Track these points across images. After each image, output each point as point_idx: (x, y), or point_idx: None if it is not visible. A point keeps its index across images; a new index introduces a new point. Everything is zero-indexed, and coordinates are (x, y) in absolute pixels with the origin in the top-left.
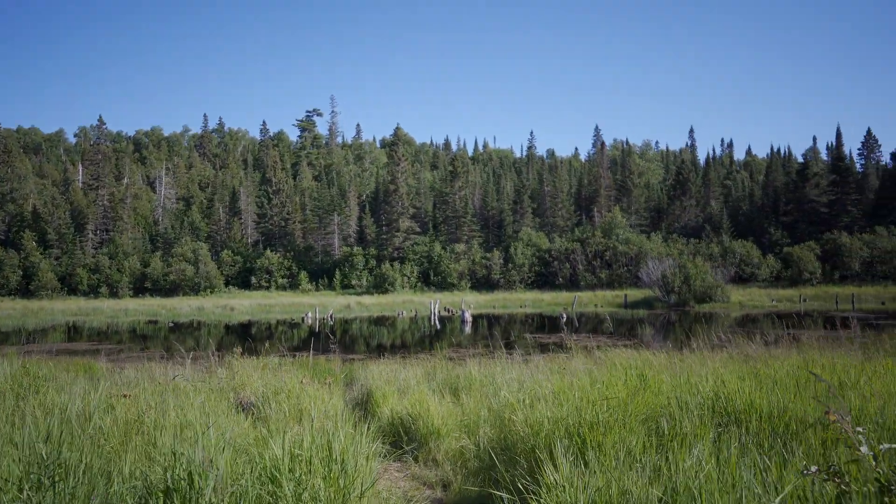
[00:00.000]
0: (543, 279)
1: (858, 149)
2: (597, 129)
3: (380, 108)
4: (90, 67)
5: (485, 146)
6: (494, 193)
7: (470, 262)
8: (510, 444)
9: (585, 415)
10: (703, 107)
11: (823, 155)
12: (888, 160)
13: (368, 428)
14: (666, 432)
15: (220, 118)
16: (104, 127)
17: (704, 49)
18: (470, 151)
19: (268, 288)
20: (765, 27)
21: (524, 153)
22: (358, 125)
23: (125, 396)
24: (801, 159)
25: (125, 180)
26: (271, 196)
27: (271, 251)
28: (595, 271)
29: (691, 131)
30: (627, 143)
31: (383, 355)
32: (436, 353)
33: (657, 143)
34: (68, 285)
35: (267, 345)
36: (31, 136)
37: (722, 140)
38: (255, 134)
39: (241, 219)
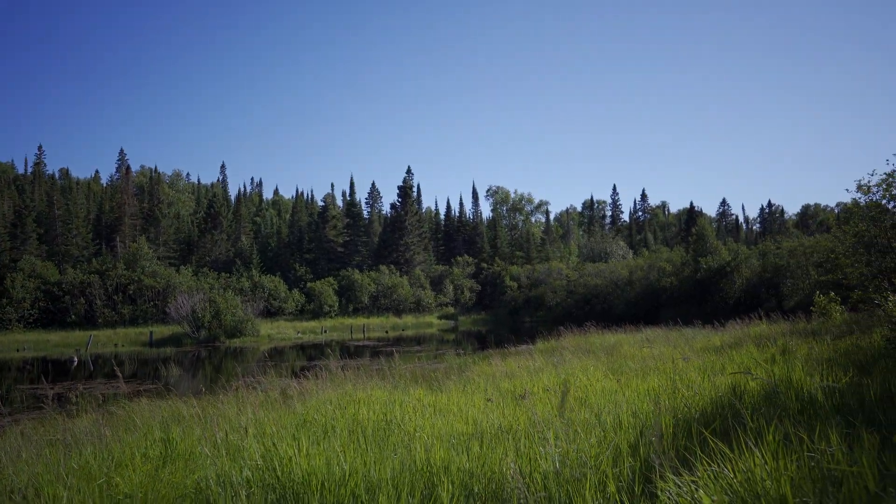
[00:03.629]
0: (51, 317)
1: (366, 198)
2: (122, 153)
3: None
4: None
5: None
6: None
7: None
8: None
9: None
10: (234, 144)
11: (339, 201)
12: (388, 210)
13: None
14: None
15: None
16: None
17: (238, 85)
18: None
19: None
20: (294, 69)
21: (30, 169)
22: None
23: None
24: (321, 203)
25: None
26: None
27: None
28: (116, 307)
29: (223, 166)
30: (156, 170)
31: None
32: None
33: (188, 174)
34: None
35: None
36: None
37: (252, 178)
38: None
39: None
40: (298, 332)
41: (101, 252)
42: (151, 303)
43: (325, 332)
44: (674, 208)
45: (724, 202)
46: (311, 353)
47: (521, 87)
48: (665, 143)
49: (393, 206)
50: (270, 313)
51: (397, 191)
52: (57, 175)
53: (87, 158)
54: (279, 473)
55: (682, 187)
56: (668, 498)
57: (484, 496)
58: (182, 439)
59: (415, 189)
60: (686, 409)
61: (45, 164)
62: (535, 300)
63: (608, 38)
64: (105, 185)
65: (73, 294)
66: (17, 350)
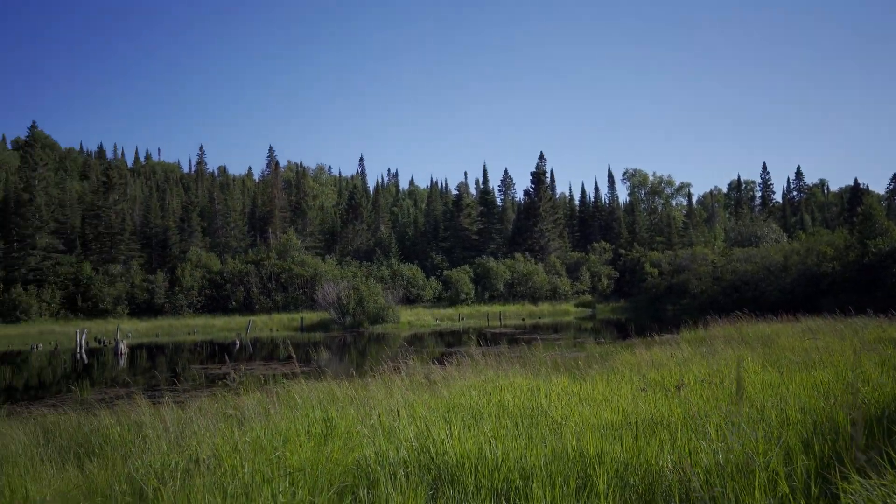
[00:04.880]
0: (215, 303)
1: (499, 186)
2: (271, 150)
3: (11, 103)
4: None
5: (147, 158)
6: (158, 210)
7: (128, 284)
8: None
9: (258, 498)
10: (371, 135)
11: (472, 189)
12: (521, 196)
13: None
14: None
15: None
16: None
17: (370, 78)
18: (129, 162)
19: None
20: (422, 61)
21: (193, 168)
22: None
23: None
24: (455, 191)
25: None
26: None
27: None
28: (270, 294)
29: (361, 159)
30: (302, 165)
31: (9, 402)
32: (77, 394)
33: (330, 167)
34: None
35: None
36: None
37: (389, 169)
38: None
39: None
40: (436, 319)
41: (256, 243)
42: (301, 290)
43: (462, 319)
44: (834, 186)
45: (895, 178)
46: (449, 340)
47: (656, 65)
48: (822, 115)
49: (526, 192)
50: (409, 301)
51: (530, 177)
52: (216, 173)
53: (241, 156)
54: (433, 455)
55: (843, 163)
56: (853, 501)
57: (640, 489)
58: (340, 419)
59: (548, 175)
60: (865, 406)
61: (205, 164)
62: (678, 287)
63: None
64: (257, 180)
65: (233, 282)
66: (189, 333)
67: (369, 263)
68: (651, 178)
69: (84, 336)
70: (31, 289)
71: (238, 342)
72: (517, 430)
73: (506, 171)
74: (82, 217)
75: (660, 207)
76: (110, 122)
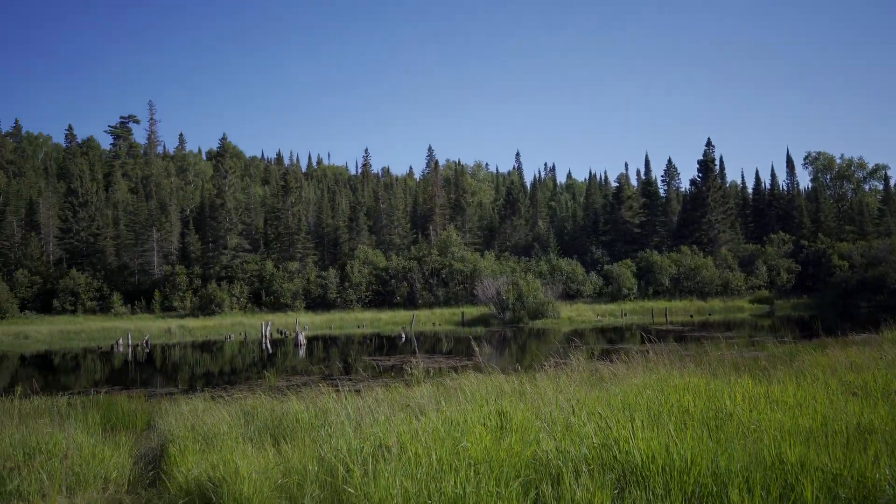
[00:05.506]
0: (381, 298)
1: (662, 176)
2: (430, 149)
3: (205, 118)
4: None
5: (319, 162)
6: (329, 210)
7: (304, 280)
8: None
9: (446, 486)
10: (528, 131)
11: (633, 180)
12: (686, 186)
13: None
14: None
15: (17, 120)
16: None
17: (525, 73)
18: (303, 167)
19: (73, 312)
20: (578, 56)
21: (359, 170)
22: (181, 135)
23: None
24: (615, 183)
25: None
26: (77, 209)
27: (77, 270)
28: (432, 289)
29: (518, 154)
30: (460, 163)
31: (207, 386)
32: (265, 381)
33: (487, 164)
34: None
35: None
36: None
37: (545, 164)
38: (60, 140)
39: (40, 234)
40: (598, 315)
41: (418, 240)
42: (461, 285)
43: (625, 315)
44: None
45: None
46: (612, 337)
47: (835, 36)
48: None
49: (692, 182)
50: (569, 296)
51: (697, 165)
52: (380, 173)
53: (402, 156)
54: (615, 453)
55: None
56: None
57: (853, 503)
58: (513, 413)
59: (716, 162)
60: None
61: (370, 165)
62: (874, 282)
63: None
64: (418, 179)
65: (397, 278)
66: (358, 326)
67: (527, 258)
68: (838, 161)
69: (268, 328)
70: (223, 285)
71: (403, 335)
72: (703, 432)
73: (669, 161)
74: (265, 219)
75: (849, 193)
76: (287, 131)
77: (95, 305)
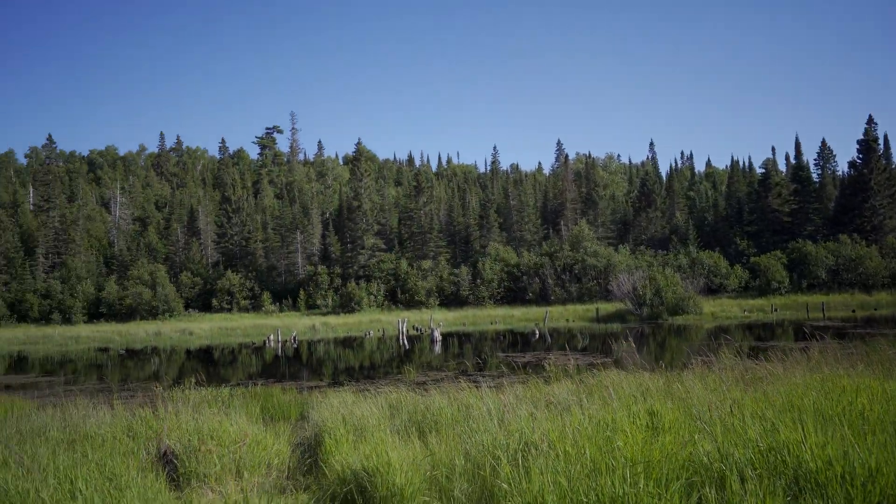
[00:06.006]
0: (513, 294)
1: (814, 159)
2: (559, 143)
3: (341, 124)
4: (43, 85)
5: (448, 161)
6: (460, 209)
7: (438, 278)
8: None
9: (604, 485)
10: (661, 119)
11: (781, 165)
12: (844, 170)
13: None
14: None
15: (178, 136)
16: (54, 146)
17: (656, 61)
18: (434, 167)
19: (229, 310)
20: (716, 37)
21: (488, 168)
22: (319, 142)
23: None
24: (760, 169)
25: (78, 201)
26: (231, 215)
27: (232, 272)
28: (565, 285)
29: (651, 144)
30: (590, 155)
31: (349, 380)
32: (404, 375)
33: (619, 155)
34: (17, 312)
35: (221, 372)
36: None
37: (682, 152)
38: (214, 152)
39: (199, 239)
40: (744, 311)
41: (549, 235)
42: (594, 281)
43: (776, 310)
44: None
45: None
46: (760, 333)
47: None
48: None
49: (851, 164)
50: (711, 290)
51: (856, 146)
52: (508, 170)
53: (531, 152)
54: (785, 457)
55: None
56: None
57: None
58: (664, 413)
59: (880, 141)
60: None
61: (498, 162)
62: None
63: None
64: (547, 174)
65: (529, 274)
66: (491, 323)
67: (665, 252)
68: None
69: (404, 324)
70: (361, 283)
71: (537, 332)
72: (885, 438)
73: (823, 142)
74: (398, 219)
75: None
76: (417, 132)
77: (248, 304)
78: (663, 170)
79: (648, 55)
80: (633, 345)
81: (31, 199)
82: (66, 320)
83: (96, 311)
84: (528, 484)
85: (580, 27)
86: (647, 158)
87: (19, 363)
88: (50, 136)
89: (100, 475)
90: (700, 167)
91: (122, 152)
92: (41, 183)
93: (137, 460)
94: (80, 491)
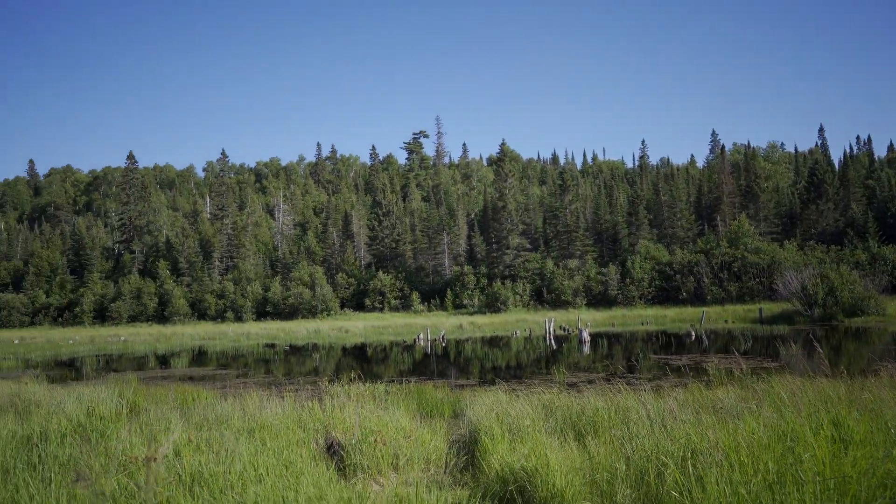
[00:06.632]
0: (665, 294)
1: None
2: (714, 134)
3: (484, 126)
4: (220, 105)
5: (594, 158)
6: (607, 206)
7: (584, 277)
8: None
9: (791, 500)
10: (829, 103)
11: None
12: None
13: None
14: None
15: (333, 145)
16: (227, 160)
17: (822, 42)
18: (579, 164)
19: (381, 309)
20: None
21: (636, 163)
22: (464, 144)
23: (190, 441)
24: None
25: (247, 209)
26: (382, 218)
27: (383, 273)
28: (722, 284)
29: (821, 129)
30: (749, 145)
31: (497, 379)
32: (553, 376)
33: (783, 144)
34: (198, 310)
35: (380, 369)
36: (165, 173)
37: (858, 137)
38: (366, 159)
39: (353, 242)
40: None
41: (704, 232)
42: (756, 279)
43: None
44: None
45: None
46: None
47: None
48: None
49: None
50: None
51: None
52: (658, 164)
53: (682, 145)
54: None
55: None
56: None
57: None
58: (852, 423)
59: None
60: None
61: (647, 157)
62: None
63: None
64: (701, 167)
65: (682, 273)
66: (642, 324)
67: (839, 247)
68: None
69: (551, 324)
70: (507, 283)
71: (692, 333)
72: None
73: None
74: (543, 218)
75: None
76: (561, 130)
77: (398, 303)
78: (835, 157)
79: (813, 37)
80: (800, 349)
81: (207, 209)
82: (238, 318)
83: (263, 310)
84: (703, 493)
85: (734, 14)
86: (816, 145)
87: (199, 357)
88: (223, 150)
89: (277, 462)
90: (881, 152)
91: (284, 163)
92: (216, 193)
93: (309, 450)
94: (262, 477)
